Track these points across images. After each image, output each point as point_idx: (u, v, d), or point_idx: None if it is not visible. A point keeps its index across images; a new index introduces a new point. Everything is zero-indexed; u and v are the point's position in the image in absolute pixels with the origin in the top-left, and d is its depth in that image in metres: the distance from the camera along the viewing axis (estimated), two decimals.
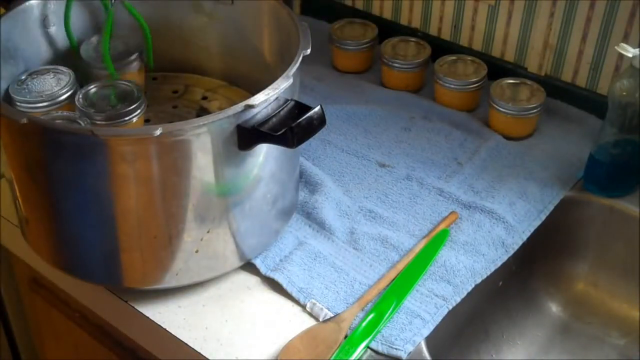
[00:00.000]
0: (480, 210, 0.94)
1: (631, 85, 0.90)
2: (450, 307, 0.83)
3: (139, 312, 0.83)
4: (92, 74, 0.92)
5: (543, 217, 0.94)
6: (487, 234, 0.91)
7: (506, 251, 0.90)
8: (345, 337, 0.79)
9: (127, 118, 0.86)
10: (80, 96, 0.87)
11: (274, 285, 0.85)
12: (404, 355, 0.78)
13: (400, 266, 0.87)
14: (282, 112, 0.75)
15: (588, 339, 0.98)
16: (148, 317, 0.82)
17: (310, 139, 0.75)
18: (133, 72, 0.94)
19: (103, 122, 0.85)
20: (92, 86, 0.89)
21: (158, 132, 0.70)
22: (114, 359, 0.98)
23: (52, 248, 0.84)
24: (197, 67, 1.03)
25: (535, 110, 1.04)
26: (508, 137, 1.05)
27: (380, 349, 0.79)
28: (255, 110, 0.74)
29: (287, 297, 0.84)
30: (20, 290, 1.13)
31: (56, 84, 0.88)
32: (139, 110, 0.87)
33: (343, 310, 0.82)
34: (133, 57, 0.94)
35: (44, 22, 0.92)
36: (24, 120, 0.71)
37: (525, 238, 0.92)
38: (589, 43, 1.05)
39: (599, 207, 0.97)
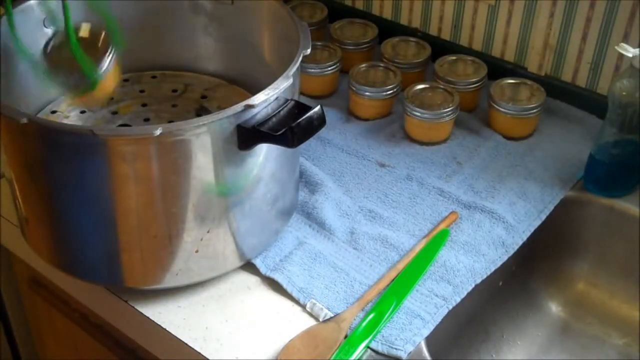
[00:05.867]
0: (480, 210, 0.94)
1: (631, 85, 0.90)
2: (450, 307, 0.83)
3: (139, 312, 0.83)
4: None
5: (543, 217, 0.94)
6: (487, 234, 0.91)
7: (506, 251, 0.90)
8: (345, 337, 0.79)
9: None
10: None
11: (274, 285, 0.85)
12: (404, 355, 0.78)
13: (400, 266, 0.87)
14: (282, 112, 0.75)
15: (588, 339, 0.98)
16: (148, 317, 0.82)
17: (310, 139, 0.75)
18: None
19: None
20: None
21: (158, 132, 0.70)
22: (114, 359, 0.98)
23: (52, 248, 0.84)
24: (196, 67, 1.03)
25: (535, 110, 1.04)
26: (508, 137, 1.05)
27: (380, 349, 0.79)
28: (255, 110, 0.74)
29: (287, 297, 0.84)
30: (20, 290, 1.13)
31: None
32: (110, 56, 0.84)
33: (343, 310, 0.82)
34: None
35: (44, 22, 0.92)
36: (24, 120, 0.71)
37: (525, 238, 0.92)
38: (589, 43, 1.05)
39: (599, 207, 0.97)
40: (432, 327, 0.81)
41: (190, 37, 1.01)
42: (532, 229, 0.93)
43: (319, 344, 0.78)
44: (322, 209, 0.93)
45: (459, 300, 0.84)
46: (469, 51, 1.15)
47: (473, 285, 0.86)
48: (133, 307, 0.83)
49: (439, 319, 0.82)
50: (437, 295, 0.84)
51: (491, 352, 0.95)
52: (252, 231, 0.84)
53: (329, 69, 1.11)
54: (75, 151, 0.73)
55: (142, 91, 1.01)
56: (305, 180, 0.98)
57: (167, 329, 0.81)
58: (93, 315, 0.95)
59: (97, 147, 0.72)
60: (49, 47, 0.86)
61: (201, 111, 0.97)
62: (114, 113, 0.97)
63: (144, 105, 0.98)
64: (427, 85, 1.07)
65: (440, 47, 1.15)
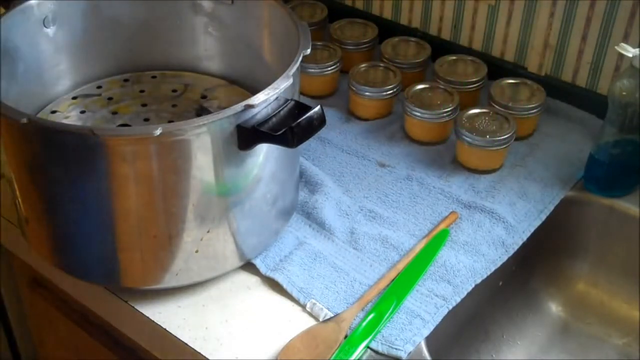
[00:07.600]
0: (481, 210, 0.94)
1: (631, 85, 0.90)
2: (450, 307, 0.83)
3: (139, 312, 0.83)
4: None
5: (543, 217, 0.94)
6: (487, 234, 0.91)
7: (506, 251, 0.90)
8: (345, 337, 0.79)
9: None
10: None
11: (274, 285, 0.85)
12: (404, 355, 0.78)
13: (400, 266, 0.87)
14: (282, 112, 0.75)
15: (588, 339, 0.98)
16: (148, 317, 0.82)
17: (310, 139, 0.75)
18: None
19: None
20: None
21: (158, 132, 0.70)
22: (114, 359, 0.98)
23: (52, 248, 0.84)
24: (196, 67, 1.03)
25: (535, 110, 1.04)
26: None
27: (380, 349, 0.79)
28: (255, 110, 0.74)
29: (287, 297, 0.84)
30: (20, 290, 1.13)
31: None
32: None
33: (343, 310, 0.82)
34: None
35: (44, 22, 0.92)
36: (24, 120, 0.71)
37: (525, 238, 0.92)
38: (589, 43, 1.05)
39: (599, 207, 0.97)
40: (432, 327, 0.81)
41: (190, 37, 1.01)
42: (532, 229, 0.93)
43: (319, 344, 0.78)
44: (322, 209, 0.93)
45: (459, 300, 0.84)
46: (469, 51, 1.15)
47: (473, 285, 0.86)
48: (133, 307, 0.83)
49: (439, 319, 0.82)
50: (437, 295, 0.84)
51: (491, 352, 0.95)
52: (252, 231, 0.84)
53: (329, 69, 1.11)
54: (75, 151, 0.73)
55: (142, 91, 1.01)
56: (305, 180, 0.98)
57: (167, 329, 0.81)
58: (93, 315, 0.95)
59: (97, 147, 0.72)
60: None
61: (201, 111, 0.97)
62: (114, 113, 0.97)
63: (144, 105, 0.98)
64: (427, 85, 1.07)
65: (440, 47, 1.15)
